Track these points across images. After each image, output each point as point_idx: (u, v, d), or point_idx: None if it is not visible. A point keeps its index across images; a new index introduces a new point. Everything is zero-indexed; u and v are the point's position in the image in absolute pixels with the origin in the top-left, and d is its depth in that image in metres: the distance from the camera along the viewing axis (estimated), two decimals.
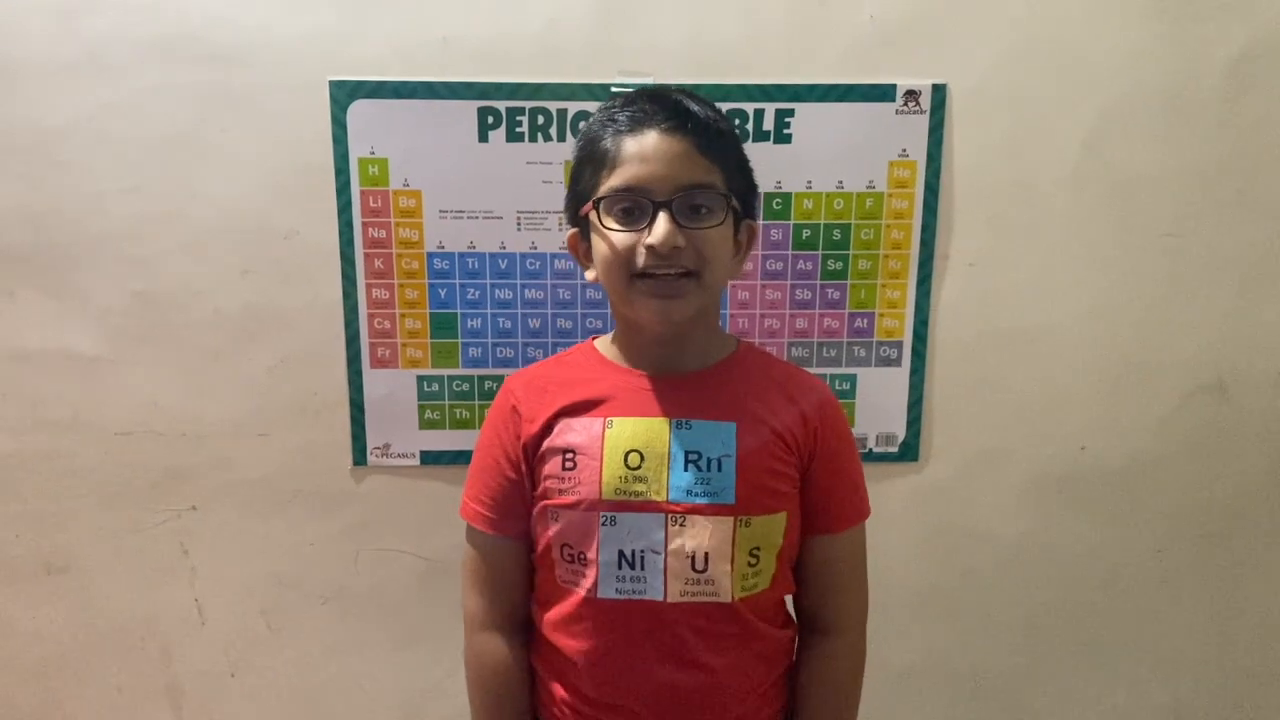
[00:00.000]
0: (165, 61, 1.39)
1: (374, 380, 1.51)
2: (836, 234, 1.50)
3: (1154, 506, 1.62)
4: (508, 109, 1.43)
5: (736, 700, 1.03)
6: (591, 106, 1.43)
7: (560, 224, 1.46)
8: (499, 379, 1.52)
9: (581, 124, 1.02)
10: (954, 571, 1.63)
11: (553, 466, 1.01)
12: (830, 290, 1.52)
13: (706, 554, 0.97)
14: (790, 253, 1.50)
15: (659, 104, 0.96)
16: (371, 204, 1.45)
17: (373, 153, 1.43)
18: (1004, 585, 1.64)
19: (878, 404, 1.56)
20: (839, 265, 1.51)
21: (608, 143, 0.97)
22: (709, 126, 0.96)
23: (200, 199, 1.44)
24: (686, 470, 0.98)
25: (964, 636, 1.66)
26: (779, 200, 1.48)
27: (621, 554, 0.99)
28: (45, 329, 1.47)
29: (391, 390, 1.51)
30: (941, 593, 1.63)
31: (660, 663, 1.00)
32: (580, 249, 1.04)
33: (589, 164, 1.00)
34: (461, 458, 1.54)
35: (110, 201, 1.43)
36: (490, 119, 1.43)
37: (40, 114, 1.40)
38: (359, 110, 1.42)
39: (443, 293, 1.49)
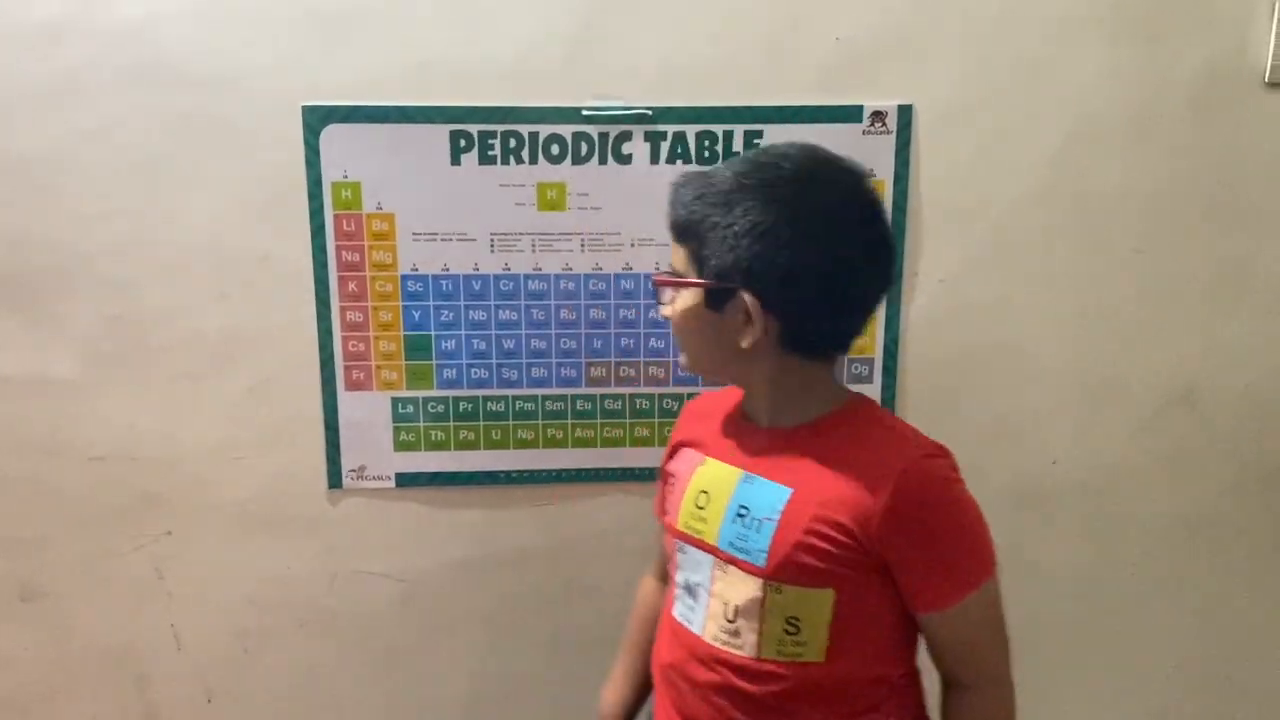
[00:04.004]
0: (140, 87, 1.40)
1: (349, 403, 1.51)
2: None
3: (1127, 519, 1.62)
4: (480, 132, 1.44)
5: None
6: (564, 130, 1.44)
7: (533, 246, 1.48)
8: (474, 400, 1.53)
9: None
10: None
11: (666, 486, 1.14)
12: None
13: (737, 607, 0.99)
14: None
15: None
16: (345, 227, 1.46)
17: (346, 176, 1.44)
18: None
19: None
20: None
21: None
22: (684, 214, 0.97)
23: (175, 223, 1.45)
24: (734, 523, 1.00)
25: None
26: None
27: (686, 581, 1.06)
28: (20, 353, 1.47)
29: (366, 413, 1.52)
30: None
31: (699, 692, 1.03)
32: None
33: None
34: (438, 479, 1.54)
35: (86, 226, 1.44)
36: (463, 142, 1.44)
37: (16, 139, 1.41)
38: (332, 135, 1.43)
39: (416, 315, 1.50)
